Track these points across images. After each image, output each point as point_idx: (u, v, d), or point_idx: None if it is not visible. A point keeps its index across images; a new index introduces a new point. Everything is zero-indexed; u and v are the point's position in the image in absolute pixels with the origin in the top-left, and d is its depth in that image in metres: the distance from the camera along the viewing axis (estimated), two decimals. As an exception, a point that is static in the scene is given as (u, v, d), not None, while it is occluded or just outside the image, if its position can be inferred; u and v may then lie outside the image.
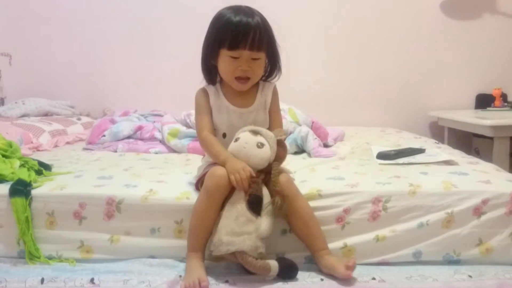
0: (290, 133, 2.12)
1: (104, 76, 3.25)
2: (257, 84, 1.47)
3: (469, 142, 3.07)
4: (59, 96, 3.19)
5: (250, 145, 1.30)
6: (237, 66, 1.36)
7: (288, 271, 1.24)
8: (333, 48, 3.19)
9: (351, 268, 1.21)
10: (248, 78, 1.39)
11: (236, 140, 1.33)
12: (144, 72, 3.22)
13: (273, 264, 1.22)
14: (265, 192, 1.29)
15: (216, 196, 1.27)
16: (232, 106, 1.44)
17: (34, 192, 1.43)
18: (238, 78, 1.39)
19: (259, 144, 1.30)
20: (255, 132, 1.32)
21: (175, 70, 3.12)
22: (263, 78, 1.47)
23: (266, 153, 1.30)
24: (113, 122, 2.47)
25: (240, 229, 1.23)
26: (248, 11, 1.35)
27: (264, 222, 1.25)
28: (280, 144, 1.34)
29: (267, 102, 1.47)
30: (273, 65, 1.44)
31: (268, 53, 1.39)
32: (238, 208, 1.26)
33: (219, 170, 1.29)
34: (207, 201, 1.27)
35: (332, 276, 1.24)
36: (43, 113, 2.92)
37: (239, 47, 1.33)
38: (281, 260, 1.25)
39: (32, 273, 1.30)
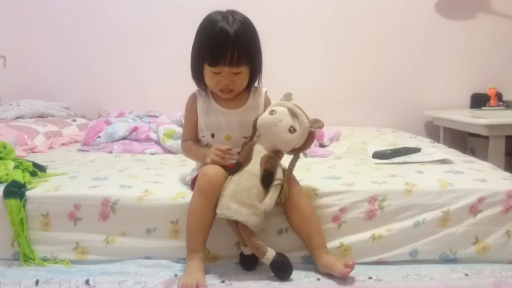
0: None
1: (99, 78, 3.25)
2: (248, 87, 1.47)
3: (465, 141, 3.07)
4: (54, 98, 3.18)
5: (283, 125, 1.26)
6: (219, 80, 1.37)
7: (281, 267, 1.24)
8: (328, 49, 3.19)
9: (350, 266, 1.20)
10: (231, 90, 1.40)
11: (272, 112, 1.29)
12: (139, 73, 3.22)
13: (271, 252, 1.22)
14: (278, 169, 1.29)
15: (210, 194, 1.27)
16: (221, 107, 1.44)
17: (28, 193, 1.42)
18: (221, 90, 1.40)
19: (291, 129, 1.26)
20: (293, 114, 1.28)
21: (170, 71, 3.10)
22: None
23: (294, 140, 1.28)
24: (108, 123, 2.46)
25: (250, 202, 1.23)
26: (231, 22, 1.33)
27: (270, 198, 1.25)
28: (310, 136, 1.31)
29: (260, 105, 1.47)
30: (256, 73, 1.44)
31: (250, 64, 1.39)
32: (253, 180, 1.25)
33: (211, 168, 1.30)
34: (201, 199, 1.27)
35: (329, 275, 1.24)
36: (38, 115, 2.91)
37: (219, 64, 1.33)
38: (280, 255, 1.24)
39: (26, 275, 1.29)
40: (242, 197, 1.23)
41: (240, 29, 1.33)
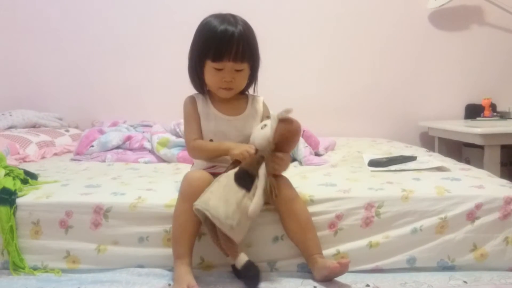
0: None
1: (93, 88, 3.24)
2: (245, 95, 1.48)
3: (459, 151, 3.08)
4: (47, 108, 3.16)
5: (257, 128, 1.34)
6: (221, 77, 1.36)
7: (250, 273, 1.21)
8: (323, 60, 3.20)
9: (342, 264, 1.18)
10: (231, 89, 1.40)
11: (262, 127, 1.34)
12: (133, 83, 3.21)
13: (243, 256, 1.21)
14: (262, 172, 1.26)
15: (191, 198, 1.24)
16: (220, 113, 1.43)
17: (19, 200, 1.40)
18: (221, 88, 1.39)
19: (263, 126, 1.32)
20: (268, 117, 1.35)
21: (164, 80, 3.11)
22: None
23: (267, 133, 1.30)
24: (101, 132, 2.44)
25: (224, 196, 1.21)
26: (232, 21, 1.34)
27: (253, 202, 1.22)
28: (286, 121, 1.31)
29: (259, 112, 1.47)
30: (254, 75, 1.44)
31: (250, 63, 1.39)
32: (229, 176, 1.25)
33: (194, 173, 1.30)
34: (183, 204, 1.26)
35: (325, 283, 1.22)
36: (31, 125, 2.88)
37: (223, 60, 1.33)
38: (251, 263, 1.21)
39: (16, 284, 1.26)
40: (219, 192, 1.22)
41: (243, 27, 1.35)
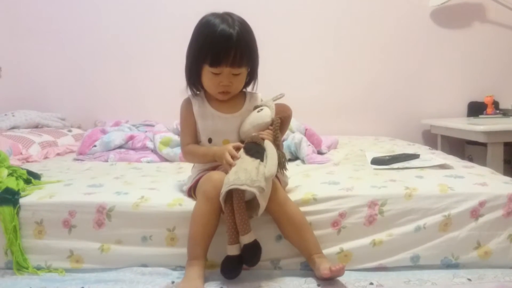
0: (284, 140, 2.10)
1: (95, 88, 3.24)
2: (243, 92, 1.48)
3: (462, 149, 3.07)
4: (49, 109, 3.16)
5: (252, 113, 1.41)
6: (219, 81, 1.36)
7: (255, 252, 1.23)
8: (326, 59, 3.20)
9: (333, 271, 1.16)
10: (228, 92, 1.40)
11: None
12: (135, 83, 3.21)
13: (252, 234, 1.21)
14: (270, 145, 1.31)
15: (215, 200, 1.24)
16: (217, 112, 1.43)
17: (22, 200, 1.40)
18: (219, 92, 1.40)
19: (258, 110, 1.40)
20: (257, 106, 1.43)
21: (166, 80, 3.10)
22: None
23: (267, 112, 1.39)
24: (104, 132, 2.44)
25: (241, 167, 1.23)
26: (231, 22, 1.32)
27: (268, 164, 1.26)
28: (280, 104, 1.44)
29: None
30: (252, 76, 1.44)
31: (249, 66, 1.39)
32: (241, 156, 1.29)
33: (216, 174, 1.29)
34: (206, 205, 1.25)
35: (328, 281, 1.21)
36: (34, 125, 2.88)
37: (221, 65, 1.33)
38: (257, 242, 1.23)
39: (20, 284, 1.26)
40: (235, 169, 1.24)
41: (241, 30, 1.33)
